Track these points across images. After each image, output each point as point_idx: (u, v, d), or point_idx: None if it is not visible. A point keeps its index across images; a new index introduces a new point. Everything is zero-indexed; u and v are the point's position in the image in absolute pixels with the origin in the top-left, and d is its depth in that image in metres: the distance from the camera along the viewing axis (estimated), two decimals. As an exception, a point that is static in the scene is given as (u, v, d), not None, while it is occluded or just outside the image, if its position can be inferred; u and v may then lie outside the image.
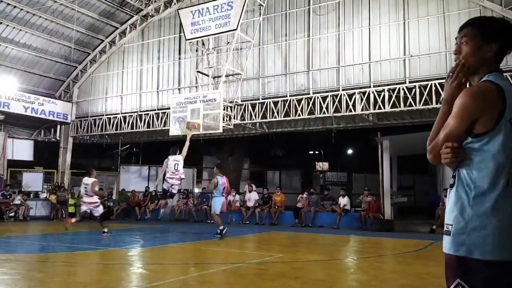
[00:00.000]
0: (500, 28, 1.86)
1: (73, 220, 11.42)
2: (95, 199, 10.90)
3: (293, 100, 14.28)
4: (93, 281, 5.57)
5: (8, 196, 15.88)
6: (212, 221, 11.01)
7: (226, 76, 15.25)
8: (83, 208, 11.05)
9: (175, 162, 10.88)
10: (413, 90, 12.44)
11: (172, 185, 10.90)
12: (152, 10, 17.78)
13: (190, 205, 17.04)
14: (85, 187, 10.86)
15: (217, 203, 10.56)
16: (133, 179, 20.10)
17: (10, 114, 17.41)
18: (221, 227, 10.41)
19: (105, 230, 10.67)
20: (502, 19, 1.92)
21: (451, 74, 1.86)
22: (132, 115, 17.72)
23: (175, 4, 17.27)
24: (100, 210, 10.95)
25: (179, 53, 17.27)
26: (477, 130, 1.74)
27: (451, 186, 1.82)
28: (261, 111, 14.79)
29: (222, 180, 10.60)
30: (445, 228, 1.80)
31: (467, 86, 1.86)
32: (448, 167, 1.82)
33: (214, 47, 15.80)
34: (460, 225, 1.73)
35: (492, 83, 1.78)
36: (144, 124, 17.33)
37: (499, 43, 1.84)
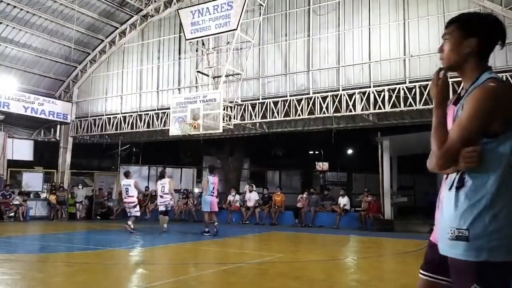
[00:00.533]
0: (479, 22, 1.82)
1: (129, 223, 11.68)
2: (134, 199, 11.81)
3: (293, 100, 14.27)
4: (93, 281, 5.57)
5: (8, 196, 15.88)
6: (212, 221, 11.25)
7: (226, 76, 15.25)
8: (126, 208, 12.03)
9: (162, 185, 12.05)
10: (413, 90, 12.44)
11: (165, 200, 11.93)
12: (152, 10, 17.78)
13: (190, 205, 17.04)
14: (126, 188, 11.80)
15: (208, 202, 11.23)
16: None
17: (10, 114, 17.40)
18: (207, 229, 11.19)
19: (129, 223, 11.42)
20: (484, 14, 1.88)
21: (436, 76, 1.83)
22: (132, 115, 17.72)
23: (175, 4, 17.27)
24: (137, 210, 11.85)
25: (179, 53, 17.27)
26: (493, 131, 1.69)
27: (457, 188, 1.73)
28: (261, 111, 14.79)
29: (212, 180, 11.35)
30: (456, 234, 1.70)
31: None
32: (460, 170, 1.73)
33: (214, 47, 15.80)
34: (479, 230, 1.66)
35: (502, 81, 1.75)
36: (144, 124, 17.32)
37: (479, 37, 1.79)
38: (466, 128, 1.69)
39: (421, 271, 2.02)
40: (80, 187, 18.00)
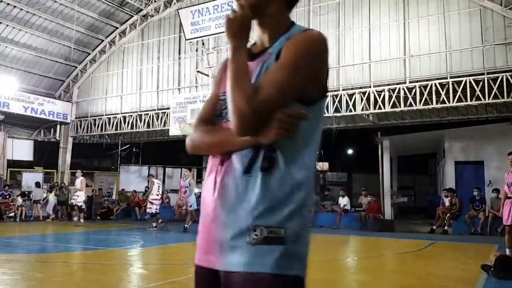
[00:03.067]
0: None
1: (187, 225, 12.66)
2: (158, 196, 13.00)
3: (293, 100, 14.25)
4: (92, 281, 5.57)
5: (8, 196, 15.86)
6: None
7: (226, 76, 15.23)
8: (154, 207, 12.85)
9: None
10: (413, 90, 12.43)
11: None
12: (152, 10, 17.77)
13: (190, 205, 17.03)
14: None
15: (194, 200, 12.61)
16: (133, 179, 20.08)
17: (10, 114, 17.40)
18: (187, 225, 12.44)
19: (154, 225, 12.58)
20: None
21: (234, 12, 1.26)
22: (132, 115, 17.71)
23: (175, 4, 17.26)
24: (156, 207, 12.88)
25: (179, 53, 17.26)
26: (311, 96, 1.23)
27: (264, 170, 1.17)
28: (261, 111, 14.76)
29: (194, 182, 13.23)
30: (265, 234, 1.13)
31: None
32: (262, 142, 1.17)
33: (214, 47, 15.80)
34: (294, 229, 1.16)
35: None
36: (144, 124, 17.32)
37: None
38: (289, 80, 1.16)
39: None
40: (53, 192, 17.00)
